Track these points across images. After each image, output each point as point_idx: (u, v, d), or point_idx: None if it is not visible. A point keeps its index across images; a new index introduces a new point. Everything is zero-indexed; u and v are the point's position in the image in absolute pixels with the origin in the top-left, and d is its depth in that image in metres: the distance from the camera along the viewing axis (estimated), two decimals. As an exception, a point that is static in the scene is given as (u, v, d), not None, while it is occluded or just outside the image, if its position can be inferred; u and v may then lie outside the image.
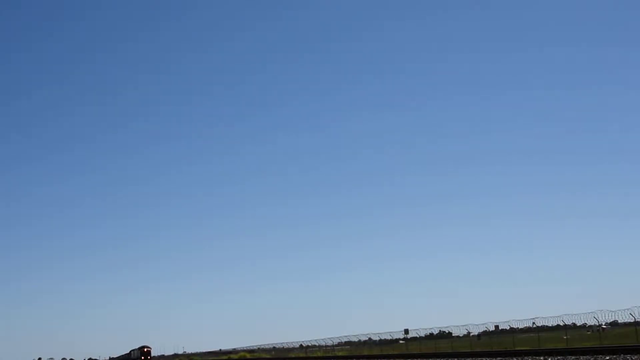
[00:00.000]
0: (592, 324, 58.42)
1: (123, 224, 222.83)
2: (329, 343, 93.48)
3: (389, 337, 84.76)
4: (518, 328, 62.56)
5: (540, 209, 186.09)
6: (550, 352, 35.12)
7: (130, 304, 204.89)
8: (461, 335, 70.84)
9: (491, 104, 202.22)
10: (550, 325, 58.40)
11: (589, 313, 52.87)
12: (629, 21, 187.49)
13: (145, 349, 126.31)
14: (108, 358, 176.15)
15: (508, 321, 63.21)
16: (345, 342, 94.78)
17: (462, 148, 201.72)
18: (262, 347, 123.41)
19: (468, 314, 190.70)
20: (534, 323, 58.76)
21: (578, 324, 65.69)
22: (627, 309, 48.28)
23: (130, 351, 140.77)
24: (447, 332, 79.38)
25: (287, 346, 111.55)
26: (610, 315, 50.61)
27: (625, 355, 28.84)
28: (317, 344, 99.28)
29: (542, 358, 33.37)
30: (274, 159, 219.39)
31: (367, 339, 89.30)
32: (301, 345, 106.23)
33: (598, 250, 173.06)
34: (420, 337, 76.71)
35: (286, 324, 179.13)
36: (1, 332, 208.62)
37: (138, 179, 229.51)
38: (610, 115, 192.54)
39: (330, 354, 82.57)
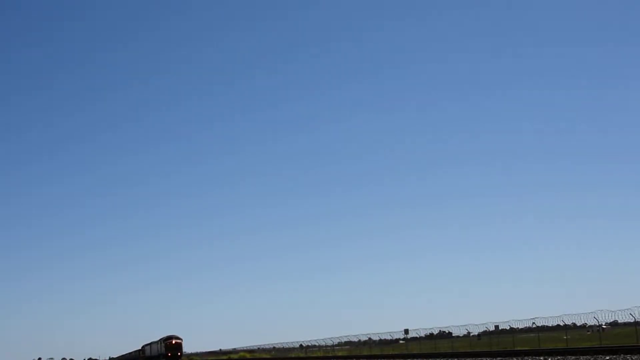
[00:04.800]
0: (592, 324, 58.43)
1: (123, 224, 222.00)
2: (329, 343, 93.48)
3: (389, 337, 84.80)
4: (518, 328, 62.59)
5: (540, 209, 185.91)
6: (550, 352, 35.12)
7: (130, 304, 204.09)
8: (461, 335, 70.88)
9: (491, 104, 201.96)
10: (550, 325, 58.43)
11: (589, 313, 52.97)
12: (629, 21, 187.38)
13: (174, 341, 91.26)
14: (108, 358, 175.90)
15: (508, 321, 63.32)
16: (345, 342, 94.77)
17: (461, 148, 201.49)
18: (262, 347, 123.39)
19: (468, 314, 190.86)
20: (534, 323, 58.80)
21: (578, 324, 65.76)
22: (627, 309, 48.35)
23: (143, 347, 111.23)
24: (447, 332, 79.46)
25: (287, 346, 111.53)
26: (610, 315, 50.68)
27: (625, 355, 28.85)
28: (317, 344, 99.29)
29: (542, 358, 33.37)
30: (274, 159, 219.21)
31: (367, 339, 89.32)
32: (301, 345, 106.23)
33: (598, 250, 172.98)
34: (420, 337, 76.72)
35: (286, 324, 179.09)
36: (1, 332, 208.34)
37: (138, 179, 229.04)
38: (610, 115, 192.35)
39: (330, 354, 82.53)
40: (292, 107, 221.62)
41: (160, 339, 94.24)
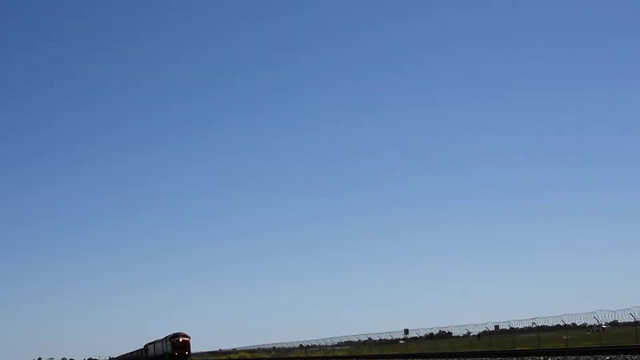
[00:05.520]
0: (592, 324, 58.48)
1: (123, 224, 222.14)
2: (329, 343, 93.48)
3: (389, 337, 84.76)
4: (518, 328, 62.60)
5: (540, 209, 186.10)
6: (550, 352, 35.14)
7: (130, 304, 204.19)
8: (461, 335, 70.89)
9: (491, 104, 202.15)
10: (550, 325, 58.47)
11: (589, 313, 53.01)
12: (629, 21, 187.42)
13: (181, 339, 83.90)
14: (108, 358, 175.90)
15: (508, 321, 63.38)
16: (345, 342, 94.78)
17: (462, 148, 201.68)
18: (262, 347, 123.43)
19: (468, 314, 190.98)
20: (534, 323, 58.81)
21: (578, 324, 65.77)
22: (627, 309, 48.37)
23: (147, 345, 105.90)
24: (447, 332, 79.46)
25: (287, 346, 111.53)
26: (610, 315, 50.70)
27: (625, 355, 28.86)
28: (317, 344, 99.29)
29: (542, 358, 33.38)
30: (274, 159, 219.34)
31: (367, 339, 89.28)
32: (301, 345, 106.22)
33: (598, 250, 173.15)
34: (420, 337, 76.74)
35: (286, 324, 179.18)
36: (1, 332, 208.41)
37: (138, 179, 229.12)
38: (610, 116, 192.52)
39: (330, 354, 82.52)
40: (292, 107, 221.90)
41: (166, 337, 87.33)
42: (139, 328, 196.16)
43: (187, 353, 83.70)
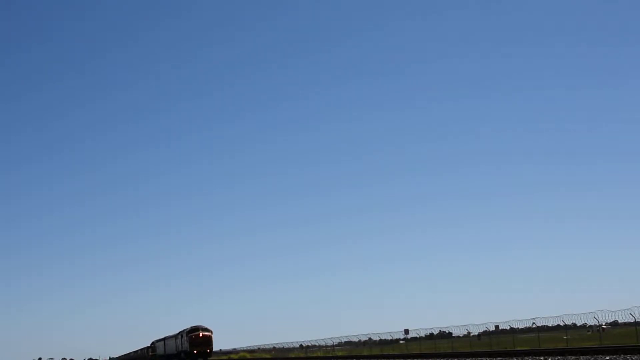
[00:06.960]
0: (592, 324, 58.48)
1: (123, 224, 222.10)
2: (329, 343, 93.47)
3: (389, 337, 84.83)
4: (518, 328, 62.57)
5: (539, 209, 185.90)
6: (550, 352, 35.13)
7: (130, 304, 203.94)
8: (461, 335, 70.92)
9: (491, 104, 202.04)
10: (550, 325, 58.48)
11: (589, 313, 53.00)
12: (629, 21, 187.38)
13: (201, 334, 71.32)
14: (108, 358, 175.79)
15: (508, 321, 63.31)
16: (345, 342, 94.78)
17: (462, 148, 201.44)
18: (262, 347, 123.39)
19: (468, 314, 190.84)
20: (534, 323, 58.78)
21: (578, 324, 65.78)
22: (627, 309, 48.37)
23: (154, 343, 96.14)
24: (447, 332, 79.47)
25: (287, 346, 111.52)
26: (610, 315, 50.70)
27: (625, 355, 28.85)
28: (317, 344, 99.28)
29: (542, 358, 33.37)
30: (274, 158, 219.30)
31: (367, 339, 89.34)
32: (301, 345, 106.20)
33: (598, 250, 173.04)
34: (420, 337, 76.75)
35: (286, 324, 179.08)
36: (1, 332, 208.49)
37: (138, 179, 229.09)
38: (610, 116, 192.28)
39: (330, 354, 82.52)
40: (293, 107, 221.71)
41: (182, 332, 75.10)
42: (138, 328, 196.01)
43: (209, 350, 71.89)
